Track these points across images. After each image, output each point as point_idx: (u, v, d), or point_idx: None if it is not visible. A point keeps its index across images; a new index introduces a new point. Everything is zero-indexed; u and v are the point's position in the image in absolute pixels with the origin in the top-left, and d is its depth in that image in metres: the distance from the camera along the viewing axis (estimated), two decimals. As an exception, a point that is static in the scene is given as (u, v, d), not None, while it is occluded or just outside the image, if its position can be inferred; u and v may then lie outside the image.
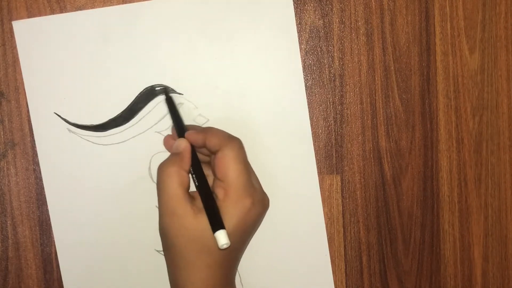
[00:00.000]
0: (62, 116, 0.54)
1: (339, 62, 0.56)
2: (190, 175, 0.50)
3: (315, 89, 0.56)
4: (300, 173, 0.56)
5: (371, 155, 0.57)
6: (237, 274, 0.54)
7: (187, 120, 0.54)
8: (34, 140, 0.55)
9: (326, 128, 0.56)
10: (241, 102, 0.55)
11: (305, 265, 0.56)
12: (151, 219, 0.52)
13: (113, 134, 0.55)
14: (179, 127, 0.52)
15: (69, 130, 0.54)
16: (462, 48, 0.57)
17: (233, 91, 0.55)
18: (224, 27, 0.55)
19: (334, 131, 0.56)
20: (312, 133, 0.56)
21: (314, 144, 0.56)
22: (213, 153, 0.50)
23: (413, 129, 0.57)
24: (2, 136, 0.55)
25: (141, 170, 0.55)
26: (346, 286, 0.57)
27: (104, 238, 0.55)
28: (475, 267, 0.58)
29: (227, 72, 0.55)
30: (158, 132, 0.55)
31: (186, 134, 0.51)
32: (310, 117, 0.56)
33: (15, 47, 0.55)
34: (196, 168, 0.50)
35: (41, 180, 0.55)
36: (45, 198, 0.55)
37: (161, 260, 0.52)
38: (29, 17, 0.55)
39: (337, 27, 0.56)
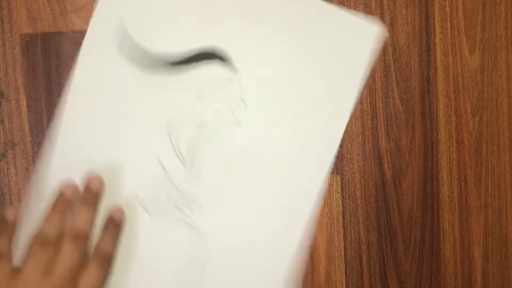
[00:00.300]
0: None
1: (339, 62, 0.56)
2: None
3: (315, 89, 0.56)
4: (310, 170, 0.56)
5: (371, 155, 0.57)
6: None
7: (226, 99, 0.54)
8: (34, 140, 0.55)
9: (326, 128, 0.56)
10: (283, 93, 0.55)
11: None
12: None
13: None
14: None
15: None
16: (462, 48, 0.57)
17: (280, 82, 0.55)
18: (304, 29, 0.55)
19: (334, 131, 0.56)
20: (312, 133, 0.56)
21: (314, 144, 0.56)
22: None
23: (413, 129, 0.57)
24: (2, 136, 0.55)
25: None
26: (346, 286, 0.57)
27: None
28: (475, 267, 0.58)
29: (285, 64, 0.55)
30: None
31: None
32: (310, 117, 0.56)
33: (15, 47, 0.55)
34: None
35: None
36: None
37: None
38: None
39: (337, 27, 0.56)
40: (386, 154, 0.56)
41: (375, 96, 0.56)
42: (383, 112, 0.56)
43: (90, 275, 0.47)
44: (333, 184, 0.56)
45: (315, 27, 0.55)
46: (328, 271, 0.57)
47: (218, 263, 0.54)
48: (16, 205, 0.54)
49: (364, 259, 0.57)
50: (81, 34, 0.54)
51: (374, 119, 0.56)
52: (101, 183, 0.50)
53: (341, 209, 0.57)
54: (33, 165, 0.55)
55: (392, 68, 0.56)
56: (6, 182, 0.55)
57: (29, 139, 0.55)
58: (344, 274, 0.57)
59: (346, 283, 0.57)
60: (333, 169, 0.56)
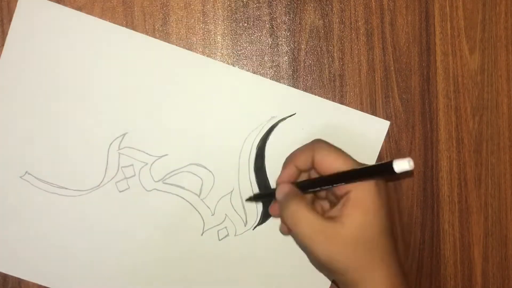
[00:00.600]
0: None
1: (339, 62, 0.56)
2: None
3: (315, 89, 0.56)
4: None
5: (371, 155, 0.57)
6: None
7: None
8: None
9: (326, 128, 0.56)
10: None
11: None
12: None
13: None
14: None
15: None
16: (462, 48, 0.57)
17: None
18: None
19: (334, 131, 0.56)
20: (312, 133, 0.56)
21: (314, 144, 0.56)
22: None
23: (413, 129, 0.57)
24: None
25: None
26: (346, 286, 0.57)
27: None
28: (475, 267, 0.58)
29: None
30: None
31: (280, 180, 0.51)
32: (310, 117, 0.56)
33: (15, 47, 0.55)
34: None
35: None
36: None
37: None
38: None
39: (337, 27, 0.56)
40: (386, 154, 0.56)
41: (375, 96, 0.56)
42: (383, 112, 0.56)
43: None
44: (333, 184, 0.56)
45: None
46: (328, 271, 0.57)
47: None
48: None
49: (364, 259, 0.57)
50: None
51: (374, 119, 0.56)
52: None
53: (341, 209, 0.57)
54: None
55: (392, 68, 0.56)
56: None
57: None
58: (344, 274, 0.57)
59: (346, 283, 0.57)
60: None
